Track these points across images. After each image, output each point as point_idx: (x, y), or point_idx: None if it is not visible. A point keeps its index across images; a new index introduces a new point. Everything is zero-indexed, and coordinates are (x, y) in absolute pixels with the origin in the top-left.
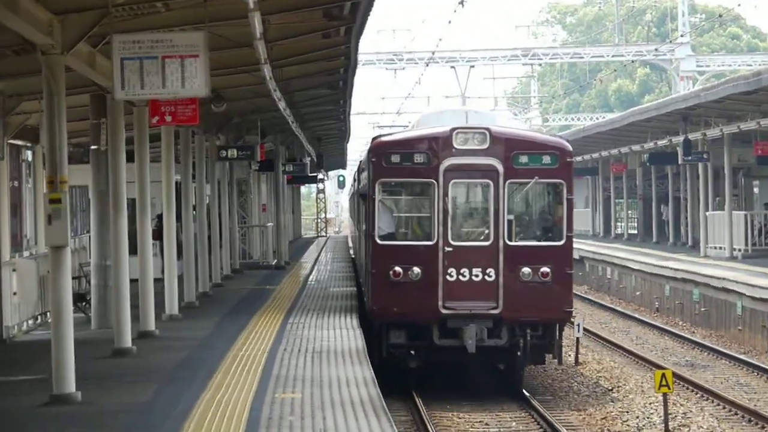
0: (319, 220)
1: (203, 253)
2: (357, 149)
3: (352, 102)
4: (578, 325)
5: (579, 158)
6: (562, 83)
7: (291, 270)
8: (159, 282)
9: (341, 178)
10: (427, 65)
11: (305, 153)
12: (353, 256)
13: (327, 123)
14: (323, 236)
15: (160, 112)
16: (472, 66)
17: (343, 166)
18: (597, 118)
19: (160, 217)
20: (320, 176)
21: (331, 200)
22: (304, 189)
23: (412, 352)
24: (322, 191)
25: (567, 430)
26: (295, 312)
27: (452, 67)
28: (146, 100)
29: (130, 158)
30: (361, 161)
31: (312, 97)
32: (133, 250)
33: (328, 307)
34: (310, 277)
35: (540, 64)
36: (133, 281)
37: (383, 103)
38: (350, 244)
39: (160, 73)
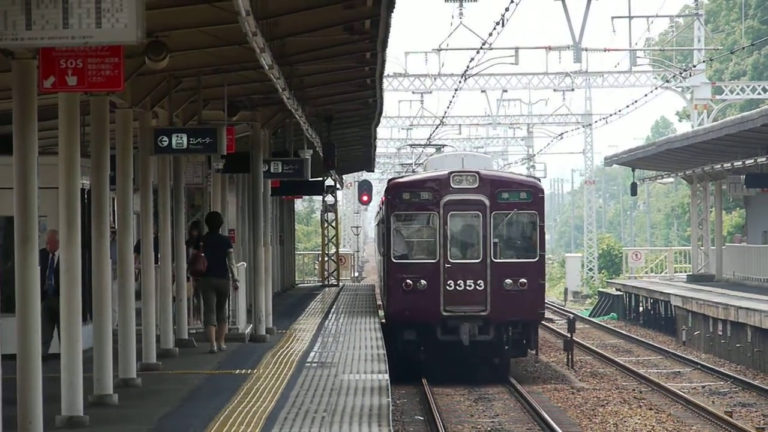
0: (326, 258)
1: (126, 311)
2: (395, 138)
3: (387, 55)
4: None
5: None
6: (746, 28)
7: (277, 343)
8: (52, 360)
9: (366, 186)
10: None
11: (305, 143)
12: (384, 321)
13: (342, 91)
14: (333, 285)
15: (58, 69)
16: None
17: (370, 166)
18: None
19: (195, 224)
20: (329, 182)
21: (347, 223)
22: (301, 204)
23: (422, 348)
24: (332, 208)
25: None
26: (283, 417)
27: None
28: (35, 49)
29: (5, 148)
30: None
31: (318, 46)
32: (8, 306)
33: (342, 407)
34: (311, 354)
35: None
36: (8, 358)
37: (439, 58)
38: (379, 300)
39: (60, 2)
